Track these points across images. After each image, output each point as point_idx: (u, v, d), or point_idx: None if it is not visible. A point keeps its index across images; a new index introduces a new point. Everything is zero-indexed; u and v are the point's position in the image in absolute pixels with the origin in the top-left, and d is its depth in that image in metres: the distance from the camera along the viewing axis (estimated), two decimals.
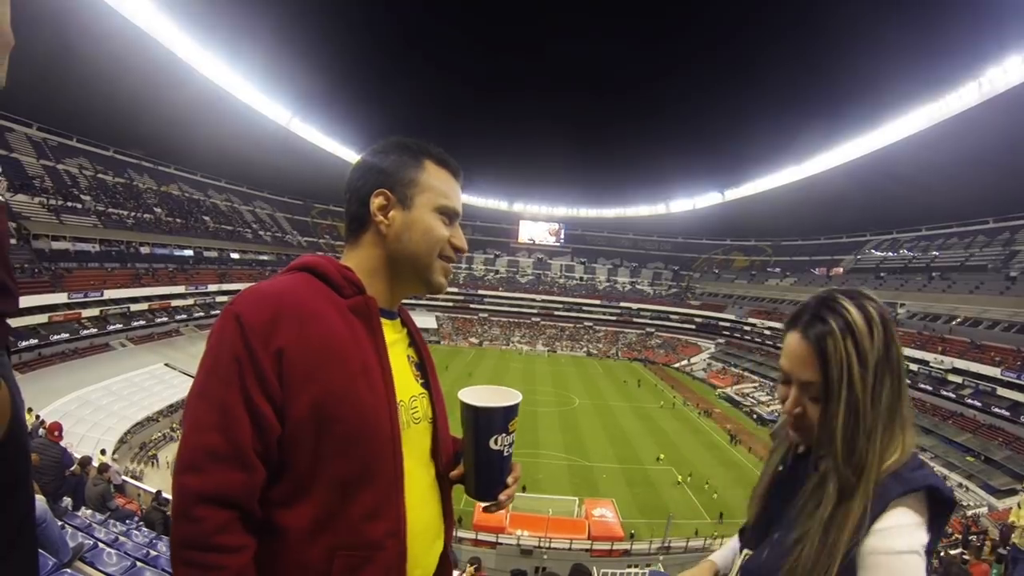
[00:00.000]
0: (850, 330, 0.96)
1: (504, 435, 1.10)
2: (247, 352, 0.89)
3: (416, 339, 1.24)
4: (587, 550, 20.67)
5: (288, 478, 0.93)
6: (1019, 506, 6.13)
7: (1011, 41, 34.05)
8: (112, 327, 35.74)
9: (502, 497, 1.15)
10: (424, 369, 1.22)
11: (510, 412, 1.11)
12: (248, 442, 0.88)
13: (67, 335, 31.85)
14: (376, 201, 1.10)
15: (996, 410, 33.03)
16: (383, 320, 1.10)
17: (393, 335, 1.14)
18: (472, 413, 1.10)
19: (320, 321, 0.97)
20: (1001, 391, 33.43)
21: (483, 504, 1.16)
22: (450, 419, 1.25)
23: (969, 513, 24.02)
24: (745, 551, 1.17)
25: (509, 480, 1.16)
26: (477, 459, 1.12)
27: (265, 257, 58.85)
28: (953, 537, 15.24)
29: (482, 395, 1.12)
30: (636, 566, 18.68)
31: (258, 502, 0.91)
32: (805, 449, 1.12)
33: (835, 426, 0.96)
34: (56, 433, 6.64)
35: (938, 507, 0.93)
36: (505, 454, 1.12)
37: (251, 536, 0.89)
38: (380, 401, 1.00)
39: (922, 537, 0.90)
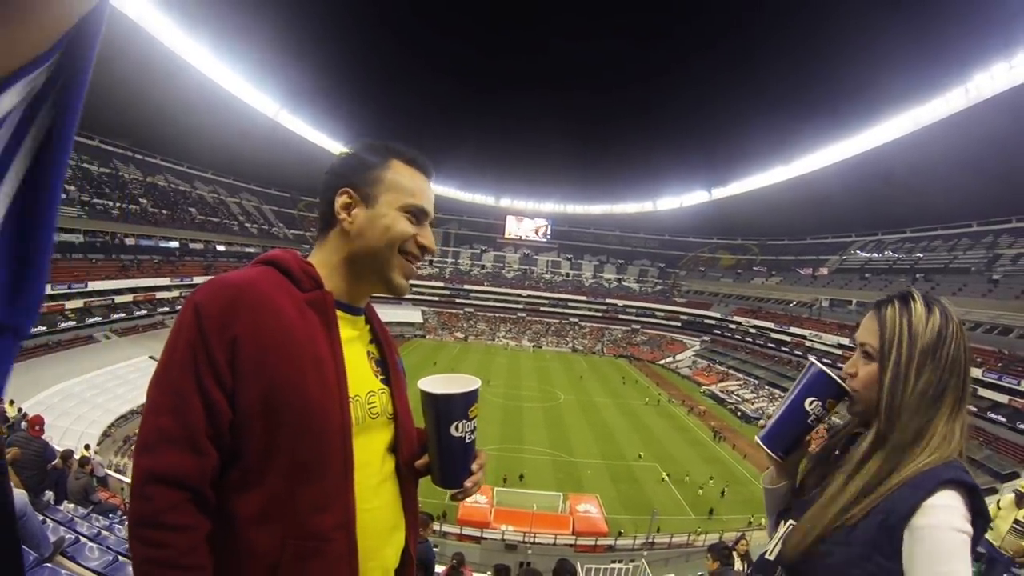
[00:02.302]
0: (908, 310, 1.10)
1: (465, 422, 1.11)
2: (201, 340, 0.92)
3: (380, 336, 1.25)
4: (571, 545, 20.80)
5: (239, 465, 0.95)
6: (998, 505, 6.17)
7: (999, 47, 34.41)
8: (96, 319, 35.37)
9: (468, 484, 1.16)
10: (386, 365, 1.22)
11: (469, 398, 1.12)
12: (200, 426, 0.91)
13: (49, 327, 31.42)
14: (340, 200, 1.12)
15: (977, 411, 33.31)
16: (344, 316, 1.12)
17: (352, 331, 1.15)
18: (431, 401, 1.11)
19: (275, 313, 0.99)
20: (982, 392, 33.91)
21: (450, 492, 1.17)
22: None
23: None
24: (790, 522, 1.20)
25: (474, 467, 1.17)
26: (439, 447, 1.13)
27: (251, 249, 58.17)
28: None
29: (441, 383, 1.14)
30: (620, 561, 18.77)
31: (212, 486, 0.93)
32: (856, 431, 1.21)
33: (884, 382, 1.08)
34: (38, 427, 6.55)
35: (976, 515, 0.96)
36: (467, 440, 1.13)
37: (203, 517, 0.91)
38: (331, 394, 1.01)
39: (969, 527, 0.94)
